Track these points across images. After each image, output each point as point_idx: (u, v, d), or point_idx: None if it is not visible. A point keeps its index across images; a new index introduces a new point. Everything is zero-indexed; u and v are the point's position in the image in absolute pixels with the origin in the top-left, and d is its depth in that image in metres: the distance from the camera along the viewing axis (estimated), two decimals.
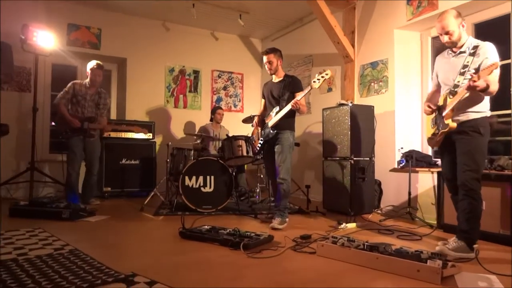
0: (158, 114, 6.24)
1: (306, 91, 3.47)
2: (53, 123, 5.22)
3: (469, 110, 2.55)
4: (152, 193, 4.52)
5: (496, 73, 2.43)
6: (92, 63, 4.48)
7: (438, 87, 2.83)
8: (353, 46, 4.98)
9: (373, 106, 4.42)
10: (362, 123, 4.28)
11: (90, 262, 2.20)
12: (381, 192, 4.50)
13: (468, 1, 3.67)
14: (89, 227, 3.39)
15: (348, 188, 4.14)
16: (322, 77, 3.39)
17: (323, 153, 4.62)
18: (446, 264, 2.03)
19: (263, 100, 3.93)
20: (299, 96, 3.46)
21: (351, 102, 4.37)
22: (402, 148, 4.29)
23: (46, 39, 4.76)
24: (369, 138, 4.32)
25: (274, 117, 3.55)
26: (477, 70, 2.46)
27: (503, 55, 3.59)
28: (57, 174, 5.10)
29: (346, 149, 4.21)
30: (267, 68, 3.73)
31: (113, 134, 5.46)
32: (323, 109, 4.62)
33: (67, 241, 2.70)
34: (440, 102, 2.69)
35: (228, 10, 5.78)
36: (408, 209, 3.90)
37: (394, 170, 4.38)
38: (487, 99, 2.56)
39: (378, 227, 3.46)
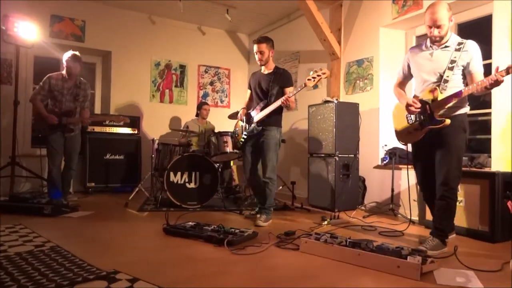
0: (144, 108, 6.17)
1: (299, 89, 3.34)
2: (33, 118, 5.09)
3: (455, 106, 2.52)
4: (137, 189, 4.49)
5: (482, 74, 2.48)
6: (67, 54, 4.22)
7: (405, 80, 2.85)
8: (339, 43, 5.01)
9: (358, 104, 4.46)
10: (347, 120, 4.32)
11: (72, 259, 2.17)
12: (365, 188, 4.56)
13: (452, 1, 3.72)
14: (72, 223, 3.34)
15: (332, 184, 4.18)
16: (319, 75, 3.25)
17: (308, 150, 4.65)
18: (426, 260, 2.07)
19: (249, 91, 3.79)
20: (291, 93, 3.35)
21: (337, 99, 4.40)
22: (386, 145, 4.35)
23: (28, 30, 4.63)
24: (354, 135, 4.36)
25: (261, 112, 3.44)
26: (465, 67, 2.48)
27: (486, 55, 3.67)
28: (39, 169, 5.00)
29: (331, 146, 4.25)
30: (257, 59, 3.53)
31: (97, 129, 5.39)
32: (309, 106, 4.65)
33: (48, 237, 2.66)
34: (426, 97, 2.58)
35: (215, 5, 5.73)
36: (391, 205, 3.96)
37: (378, 167, 4.44)
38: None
39: (355, 225, 3.51)
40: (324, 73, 3.28)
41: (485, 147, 3.64)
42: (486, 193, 2.93)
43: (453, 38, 2.58)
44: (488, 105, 3.55)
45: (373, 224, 3.46)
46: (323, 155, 4.38)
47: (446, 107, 2.51)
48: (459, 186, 2.95)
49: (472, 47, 2.52)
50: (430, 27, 2.52)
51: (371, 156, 4.51)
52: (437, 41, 2.57)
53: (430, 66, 2.62)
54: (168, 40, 6.41)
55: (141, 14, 6.14)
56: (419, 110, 2.59)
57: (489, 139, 3.43)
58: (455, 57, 2.51)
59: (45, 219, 3.41)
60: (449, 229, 2.62)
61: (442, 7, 2.48)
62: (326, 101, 4.42)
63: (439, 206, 2.56)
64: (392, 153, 4.09)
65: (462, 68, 2.52)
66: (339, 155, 4.20)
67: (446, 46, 2.57)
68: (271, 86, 3.48)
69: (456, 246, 2.37)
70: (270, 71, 3.57)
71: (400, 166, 4.08)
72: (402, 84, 2.89)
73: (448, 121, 2.48)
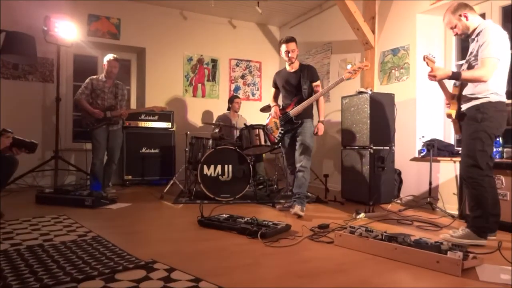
0: (177, 103, 6.29)
1: (338, 81, 3.45)
2: (74, 113, 5.36)
3: (470, 96, 2.58)
4: (172, 182, 4.60)
5: (487, 59, 2.43)
6: (109, 56, 4.58)
7: None
8: (373, 32, 4.86)
9: (394, 94, 4.32)
10: (382, 111, 4.20)
11: (112, 248, 2.26)
12: (401, 181, 4.43)
13: None
14: (111, 214, 3.48)
15: (367, 177, 4.09)
16: (360, 68, 3.30)
17: (342, 142, 4.57)
18: (467, 255, 1.99)
19: (273, 89, 3.93)
20: (325, 88, 3.55)
21: (371, 90, 4.28)
22: (423, 136, 4.20)
23: (67, 30, 4.85)
24: (389, 126, 4.23)
25: (297, 106, 3.55)
26: (475, 56, 2.53)
27: None
28: (80, 163, 5.25)
29: (365, 138, 4.15)
30: (288, 57, 3.62)
31: (133, 124, 5.56)
32: (342, 97, 4.56)
33: (90, 227, 2.79)
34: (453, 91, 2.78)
35: None
36: (428, 199, 3.83)
37: (414, 159, 4.30)
38: (493, 82, 2.49)
39: (396, 217, 3.41)
40: (366, 66, 3.32)
41: None
42: None
43: (479, 29, 2.57)
44: None
45: (410, 218, 3.36)
46: (357, 147, 4.29)
47: (453, 98, 2.71)
48: (502, 179, 2.86)
49: (482, 34, 2.52)
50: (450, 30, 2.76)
51: (408, 148, 4.37)
52: (466, 38, 2.72)
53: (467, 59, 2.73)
54: (199, 34, 6.48)
55: (173, 10, 6.23)
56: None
57: None
58: (473, 48, 2.59)
59: (87, 210, 3.58)
60: (479, 221, 2.52)
61: (448, 12, 2.68)
62: (360, 92, 4.31)
63: (467, 196, 2.66)
64: (430, 145, 3.93)
65: (474, 58, 2.57)
66: (374, 147, 4.09)
67: (472, 39, 2.64)
68: (302, 81, 3.60)
69: (500, 241, 2.25)
70: (297, 68, 3.69)
71: (439, 158, 3.92)
72: None
73: (448, 113, 2.73)
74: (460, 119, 2.68)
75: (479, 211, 2.52)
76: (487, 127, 2.50)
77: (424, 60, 2.67)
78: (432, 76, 2.56)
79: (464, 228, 2.59)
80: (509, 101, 3.61)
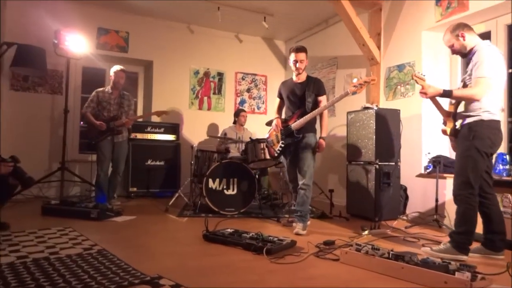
0: (183, 115, 6.33)
1: (341, 95, 3.32)
2: (81, 123, 5.44)
3: (464, 114, 2.66)
4: (177, 195, 4.60)
5: (481, 79, 2.49)
6: (116, 67, 4.68)
7: None
8: (379, 48, 4.90)
9: (399, 110, 4.32)
10: (387, 127, 4.20)
11: (117, 263, 2.26)
12: (406, 198, 4.40)
13: (500, 2, 3.54)
14: (116, 227, 3.49)
15: (372, 193, 4.08)
16: (365, 82, 3.22)
17: (347, 157, 4.57)
18: (476, 276, 1.96)
19: (278, 99, 3.83)
20: (329, 102, 3.48)
21: (376, 106, 4.30)
22: (429, 153, 4.19)
23: (77, 43, 4.93)
24: (395, 142, 4.23)
25: (299, 120, 3.45)
26: (470, 75, 2.60)
27: None
28: (85, 174, 5.27)
29: (371, 153, 4.15)
30: (296, 67, 3.52)
31: (139, 136, 5.60)
32: (348, 112, 4.57)
33: (96, 241, 2.79)
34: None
35: (252, 13, 5.80)
36: (435, 216, 3.80)
37: (420, 175, 4.28)
38: (486, 101, 2.54)
39: (401, 235, 3.39)
40: (373, 80, 3.27)
41: None
42: None
43: (475, 49, 2.64)
44: None
45: (416, 235, 3.33)
46: (362, 162, 4.28)
47: (449, 116, 2.78)
48: (510, 197, 2.87)
49: (477, 54, 2.58)
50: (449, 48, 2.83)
51: (413, 164, 4.36)
52: (463, 57, 2.81)
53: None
54: (206, 48, 6.56)
55: (181, 24, 6.33)
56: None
57: None
58: (469, 68, 2.65)
59: (92, 222, 3.58)
60: (462, 237, 2.57)
61: (447, 31, 2.76)
62: (366, 108, 4.32)
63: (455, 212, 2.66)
64: (436, 161, 3.92)
65: (469, 76, 2.64)
66: (379, 163, 4.08)
67: (469, 58, 2.70)
68: (307, 94, 3.50)
69: (509, 262, 2.23)
70: (304, 80, 3.60)
71: (445, 175, 3.90)
72: None
73: (445, 129, 2.80)
74: (455, 136, 2.73)
75: (463, 227, 2.57)
76: (478, 144, 2.54)
77: (413, 78, 2.78)
78: (423, 94, 2.64)
79: (446, 242, 2.64)
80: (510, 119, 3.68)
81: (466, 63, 2.80)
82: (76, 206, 3.89)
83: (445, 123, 2.83)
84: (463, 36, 2.67)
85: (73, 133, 5.63)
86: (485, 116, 2.55)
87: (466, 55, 2.72)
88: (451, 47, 2.76)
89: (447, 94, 2.59)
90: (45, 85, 5.37)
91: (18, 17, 5.11)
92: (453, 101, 2.78)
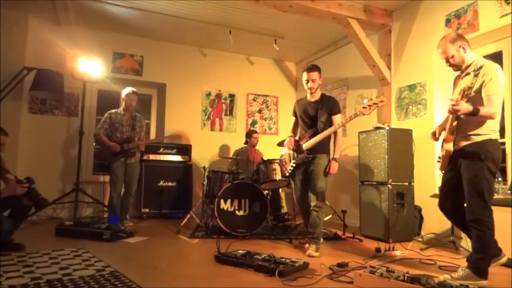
0: (195, 137, 6.39)
1: (352, 116, 3.28)
2: (94, 145, 5.54)
3: (471, 133, 2.54)
4: (188, 215, 4.60)
5: (495, 96, 2.43)
6: (127, 89, 4.77)
7: None
8: (389, 68, 4.93)
9: (411, 130, 4.30)
10: (400, 146, 4.17)
11: (129, 284, 2.26)
12: (421, 218, 4.32)
13: (509, 22, 3.55)
14: (129, 248, 3.49)
15: (386, 214, 4.02)
16: (375, 103, 3.16)
17: (359, 177, 4.53)
18: None
19: (293, 118, 3.82)
20: (339, 123, 3.41)
21: (388, 126, 4.28)
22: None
23: (93, 68, 5.09)
24: (408, 162, 4.19)
25: (310, 140, 3.44)
26: (476, 92, 2.48)
27: None
28: (98, 194, 5.32)
29: (384, 174, 4.11)
30: (308, 86, 3.52)
31: (152, 157, 5.66)
32: (359, 132, 4.57)
33: (108, 262, 2.80)
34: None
35: (263, 36, 5.92)
36: (451, 237, 3.71)
37: (435, 195, 4.20)
38: (494, 121, 2.50)
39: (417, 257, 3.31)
40: (382, 101, 3.20)
41: None
42: None
43: (475, 63, 2.59)
44: None
45: (432, 258, 3.25)
46: (375, 183, 4.24)
47: (452, 134, 2.59)
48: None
49: (484, 70, 2.50)
50: (443, 59, 2.69)
51: (428, 184, 4.29)
52: (457, 70, 2.71)
53: (455, 94, 2.67)
54: (218, 70, 6.68)
55: (193, 47, 6.48)
56: (434, 138, 2.86)
57: None
58: (472, 83, 2.54)
59: (105, 243, 3.60)
60: (482, 263, 2.49)
61: (446, 40, 2.64)
62: (377, 128, 4.32)
63: (471, 236, 2.56)
64: None
65: (474, 93, 2.51)
66: (392, 183, 4.04)
67: (467, 74, 2.63)
68: (319, 113, 3.50)
69: None
70: (317, 98, 3.60)
71: None
72: None
73: (449, 149, 2.59)
74: (456, 156, 2.60)
75: (483, 253, 2.49)
76: (491, 165, 2.49)
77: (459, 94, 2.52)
78: (456, 110, 2.39)
79: (464, 268, 2.54)
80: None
81: (458, 77, 2.76)
82: (89, 227, 3.92)
83: (446, 141, 2.64)
84: (464, 49, 2.60)
85: (87, 155, 5.73)
86: (493, 136, 2.52)
87: (461, 69, 2.66)
88: (451, 58, 2.64)
89: (475, 111, 2.40)
90: (62, 107, 5.52)
91: (38, 42, 5.32)
92: (454, 118, 2.61)
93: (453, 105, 2.37)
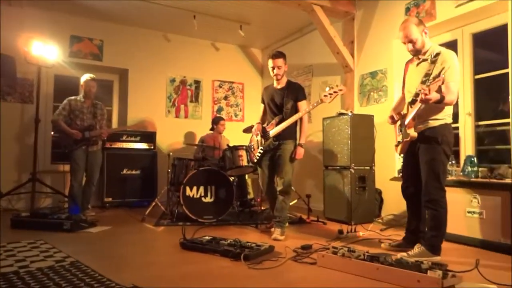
0: (159, 124, 6.26)
1: (315, 104, 3.38)
2: (52, 133, 5.28)
3: (429, 118, 2.65)
4: (153, 203, 4.53)
5: (453, 83, 2.54)
6: (86, 76, 4.59)
7: (404, 94, 2.94)
8: (352, 56, 5.02)
9: (373, 115, 4.44)
10: (362, 132, 4.30)
11: (91, 274, 2.20)
12: (381, 201, 4.50)
13: (466, 11, 3.71)
14: (91, 238, 3.39)
15: (348, 197, 4.15)
16: (335, 92, 3.28)
17: (323, 162, 4.63)
18: (447, 274, 2.02)
19: (262, 105, 3.84)
20: (304, 110, 3.45)
21: (351, 112, 4.39)
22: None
23: (49, 51, 4.81)
24: (369, 147, 4.33)
25: (277, 127, 3.48)
26: (434, 79, 2.51)
27: (502, 64, 3.63)
28: (58, 185, 5.11)
29: (347, 158, 4.23)
30: (274, 73, 3.54)
31: (114, 145, 5.49)
32: (323, 119, 4.65)
33: (68, 252, 2.71)
34: (404, 110, 2.79)
35: (228, 21, 5.84)
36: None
37: (394, 179, 4.38)
38: (449, 106, 2.64)
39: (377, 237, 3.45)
40: (341, 90, 3.33)
41: (505, 158, 3.56)
42: (508, 204, 2.86)
43: (432, 50, 2.67)
44: (506, 115, 3.49)
45: (391, 238, 3.40)
46: (338, 167, 4.36)
47: (414, 120, 2.63)
48: (478, 198, 2.96)
49: (443, 58, 2.59)
50: (404, 43, 2.71)
51: (388, 168, 4.46)
52: (416, 55, 2.75)
53: (411, 80, 2.79)
54: (182, 56, 6.54)
55: (157, 32, 6.30)
56: (391, 122, 2.92)
57: (509, 150, 3.36)
58: (429, 70, 2.62)
59: (65, 234, 3.47)
60: (436, 240, 2.65)
61: (411, 23, 2.66)
62: (341, 114, 4.42)
63: (424, 216, 2.73)
64: None
65: (433, 80, 2.51)
66: (355, 167, 4.17)
67: (424, 60, 2.71)
68: (285, 100, 3.53)
69: (478, 259, 2.30)
70: (283, 85, 3.62)
71: None
72: (403, 99, 2.97)
73: (414, 135, 2.63)
74: (414, 140, 2.68)
75: (437, 231, 2.64)
76: (446, 148, 2.64)
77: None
78: (427, 99, 2.41)
79: (420, 246, 2.68)
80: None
81: (409, 61, 2.86)
82: (48, 217, 3.76)
83: (404, 126, 2.69)
84: (425, 33, 2.68)
85: (45, 143, 5.46)
86: (448, 120, 2.67)
87: (419, 53, 2.70)
88: (414, 42, 2.64)
89: (442, 99, 2.46)
90: (14, 94, 5.21)
91: None
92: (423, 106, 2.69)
93: (425, 94, 2.39)
